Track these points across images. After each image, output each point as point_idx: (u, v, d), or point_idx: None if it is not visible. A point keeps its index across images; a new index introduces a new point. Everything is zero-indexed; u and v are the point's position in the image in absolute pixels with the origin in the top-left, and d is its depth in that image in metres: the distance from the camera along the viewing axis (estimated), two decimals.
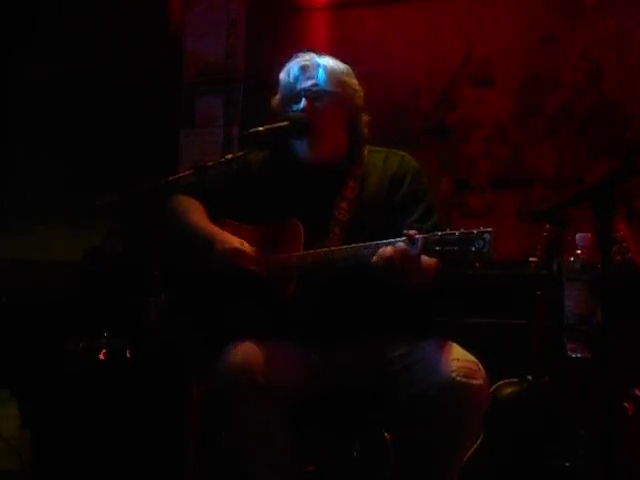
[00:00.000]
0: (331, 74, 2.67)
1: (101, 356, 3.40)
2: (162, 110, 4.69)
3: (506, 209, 4.23)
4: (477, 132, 4.35)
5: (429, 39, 4.44)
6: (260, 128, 2.64)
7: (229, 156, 2.67)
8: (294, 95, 2.67)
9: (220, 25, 4.81)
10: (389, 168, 2.69)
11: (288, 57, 2.76)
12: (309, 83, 2.66)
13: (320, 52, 2.76)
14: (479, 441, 2.81)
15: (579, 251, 2.96)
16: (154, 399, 3.19)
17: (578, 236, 2.97)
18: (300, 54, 2.74)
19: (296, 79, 2.67)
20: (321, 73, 2.66)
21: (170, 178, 2.55)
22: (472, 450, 2.74)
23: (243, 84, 4.75)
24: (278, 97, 2.74)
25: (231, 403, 2.36)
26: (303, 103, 2.64)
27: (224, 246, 2.54)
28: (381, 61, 4.34)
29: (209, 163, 2.61)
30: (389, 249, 2.30)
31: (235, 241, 2.55)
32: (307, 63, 2.68)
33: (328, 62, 2.70)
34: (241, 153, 2.72)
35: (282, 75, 2.72)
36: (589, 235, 2.92)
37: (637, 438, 2.70)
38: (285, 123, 2.65)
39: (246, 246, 2.54)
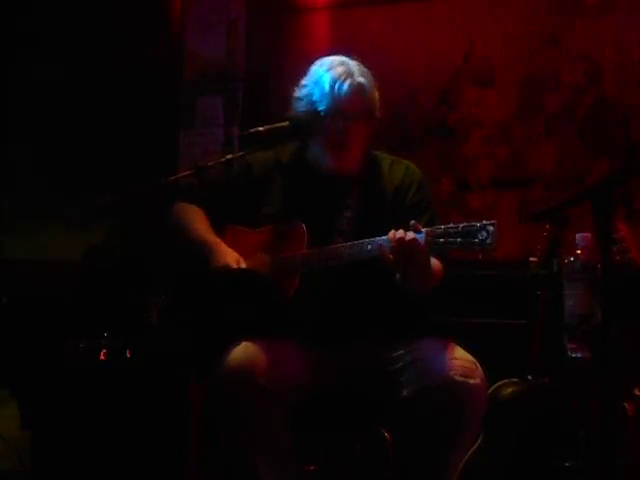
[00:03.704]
0: (374, 96, 2.63)
1: (101, 356, 3.40)
2: (162, 110, 4.69)
3: (506, 209, 4.23)
4: (477, 132, 4.35)
5: (429, 39, 4.44)
6: (260, 128, 2.64)
7: (229, 156, 2.67)
8: (338, 113, 2.59)
9: (220, 25, 4.80)
10: (394, 177, 2.69)
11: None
12: (359, 107, 2.60)
13: (353, 56, 2.69)
14: (479, 441, 2.81)
15: (579, 251, 2.96)
16: (154, 399, 3.19)
17: (578, 236, 2.97)
18: (342, 59, 2.65)
19: (346, 97, 2.58)
20: (370, 98, 2.62)
21: (170, 178, 2.55)
22: (472, 450, 2.75)
23: (243, 84, 4.75)
24: (315, 92, 2.63)
25: (232, 403, 2.36)
26: (347, 124, 2.58)
27: (218, 263, 2.54)
28: (381, 61, 4.34)
29: (209, 163, 2.61)
30: (400, 231, 2.31)
31: (231, 259, 2.55)
32: (360, 82, 2.60)
33: (369, 79, 2.64)
34: (241, 153, 2.72)
35: (329, 76, 2.60)
36: (589, 235, 2.92)
37: (637, 438, 2.70)
38: (285, 123, 2.65)
39: (242, 263, 2.54)
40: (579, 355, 2.88)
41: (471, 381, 2.36)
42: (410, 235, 2.29)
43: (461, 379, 2.35)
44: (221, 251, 2.58)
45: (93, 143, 4.59)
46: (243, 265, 2.55)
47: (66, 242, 4.46)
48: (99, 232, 4.38)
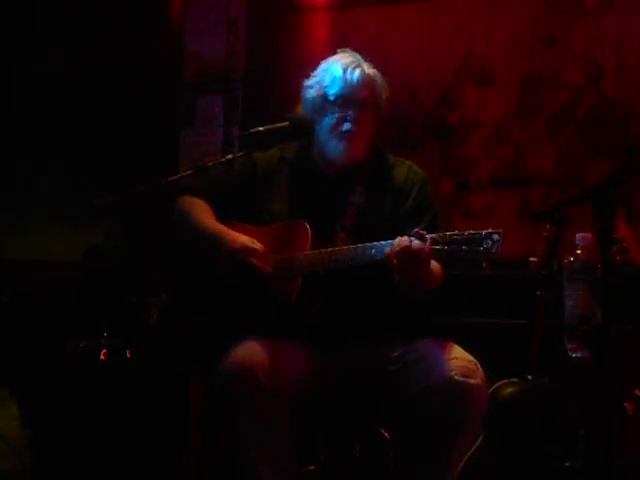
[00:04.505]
0: (383, 91, 2.67)
1: (101, 356, 3.40)
2: (162, 110, 4.69)
3: (506, 209, 4.23)
4: (477, 132, 4.35)
5: (429, 39, 4.44)
6: (260, 128, 2.64)
7: (229, 156, 2.67)
8: (348, 99, 2.62)
9: (220, 25, 4.81)
10: (397, 177, 2.70)
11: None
12: (368, 96, 2.64)
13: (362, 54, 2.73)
14: (479, 441, 2.81)
15: (579, 251, 2.95)
16: (154, 399, 3.19)
17: (578, 236, 2.96)
18: (352, 53, 2.70)
19: (357, 84, 2.63)
20: (379, 90, 2.66)
21: (170, 178, 2.55)
22: (472, 450, 2.75)
23: (243, 84, 4.75)
24: (326, 78, 2.66)
25: (234, 403, 2.36)
26: (356, 112, 2.62)
27: (234, 245, 2.54)
28: (381, 61, 4.34)
29: (209, 163, 2.61)
30: (405, 239, 2.31)
31: (245, 239, 2.55)
32: (371, 73, 2.65)
33: (379, 75, 2.69)
34: (241, 153, 2.72)
35: (340, 64, 2.65)
36: (589, 235, 2.92)
37: (637, 438, 2.70)
38: (285, 123, 2.66)
39: (256, 244, 2.54)
40: (579, 355, 2.87)
41: (471, 381, 2.36)
42: (416, 244, 2.29)
43: (461, 379, 2.35)
44: (232, 236, 2.57)
45: (93, 143, 4.59)
46: (257, 245, 2.54)
47: (66, 242, 4.45)
48: (99, 232, 4.38)
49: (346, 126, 2.62)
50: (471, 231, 2.24)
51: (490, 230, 2.23)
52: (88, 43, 4.63)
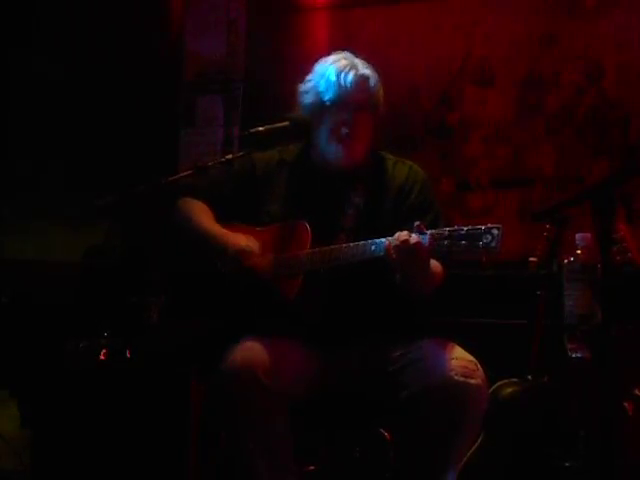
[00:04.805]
0: (379, 90, 2.66)
1: (101, 356, 3.40)
2: (162, 110, 4.69)
3: (506, 209, 4.23)
4: (477, 132, 4.35)
5: (429, 39, 4.44)
6: (260, 128, 2.64)
7: (229, 156, 2.67)
8: (345, 103, 2.61)
9: (220, 25, 4.81)
10: (397, 177, 2.69)
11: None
12: (364, 98, 2.63)
13: (357, 54, 2.72)
14: (479, 441, 2.81)
15: (579, 251, 2.96)
16: (154, 399, 3.19)
17: (578, 236, 2.97)
18: (346, 54, 2.69)
19: (352, 88, 2.61)
20: (374, 90, 2.65)
21: (170, 178, 2.55)
22: (472, 450, 2.75)
23: (243, 84, 4.75)
24: (321, 84, 2.65)
25: (234, 403, 2.36)
26: (353, 115, 2.61)
27: (234, 249, 2.54)
28: (381, 61, 4.34)
29: (209, 163, 2.61)
30: (405, 233, 2.31)
31: (242, 241, 2.55)
32: (365, 73, 2.64)
33: (373, 72, 2.67)
34: (241, 153, 2.73)
35: (334, 68, 2.63)
36: (589, 235, 2.92)
37: (637, 438, 2.70)
38: (285, 123, 2.66)
39: (253, 245, 2.54)
40: (579, 355, 2.87)
41: (471, 381, 2.36)
42: (415, 238, 2.29)
43: (461, 379, 2.35)
44: (233, 239, 2.58)
45: (93, 143, 4.58)
46: (253, 244, 2.54)
47: (66, 242, 4.45)
48: (99, 232, 4.38)
49: (344, 130, 2.62)
50: (471, 226, 2.25)
51: (489, 225, 2.23)
52: (88, 43, 4.62)
